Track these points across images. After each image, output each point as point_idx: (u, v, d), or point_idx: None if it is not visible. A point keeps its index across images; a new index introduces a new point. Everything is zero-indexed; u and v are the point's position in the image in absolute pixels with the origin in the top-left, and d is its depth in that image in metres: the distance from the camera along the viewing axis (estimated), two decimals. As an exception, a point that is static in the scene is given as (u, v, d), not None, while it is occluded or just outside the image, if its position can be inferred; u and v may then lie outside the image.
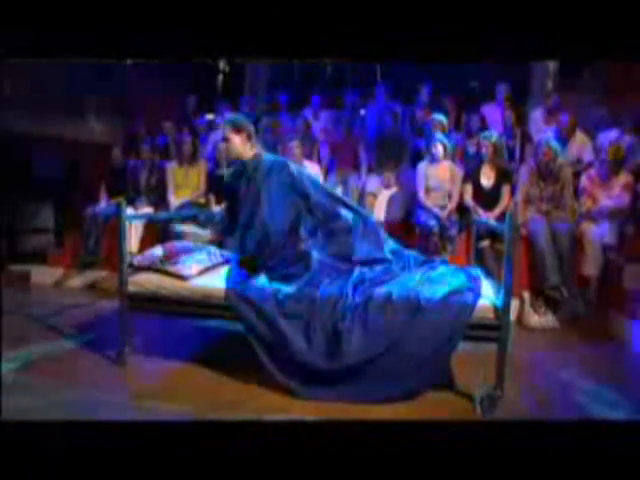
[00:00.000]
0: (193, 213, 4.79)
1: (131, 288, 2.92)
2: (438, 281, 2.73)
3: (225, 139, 3.10)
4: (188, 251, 3.15)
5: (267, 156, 3.15)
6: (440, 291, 2.58)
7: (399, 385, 2.49)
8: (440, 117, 5.38)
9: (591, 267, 4.04)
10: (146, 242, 4.78)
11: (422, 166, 4.83)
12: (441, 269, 2.95)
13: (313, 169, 5.24)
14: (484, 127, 5.53)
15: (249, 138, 3.08)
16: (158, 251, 3.10)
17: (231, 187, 3.20)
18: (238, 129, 3.05)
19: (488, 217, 4.36)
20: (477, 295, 2.57)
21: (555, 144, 4.34)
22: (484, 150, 4.58)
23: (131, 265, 3.03)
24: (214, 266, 3.15)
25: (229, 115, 3.29)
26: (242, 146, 3.07)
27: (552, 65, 6.64)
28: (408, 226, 4.71)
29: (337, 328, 2.53)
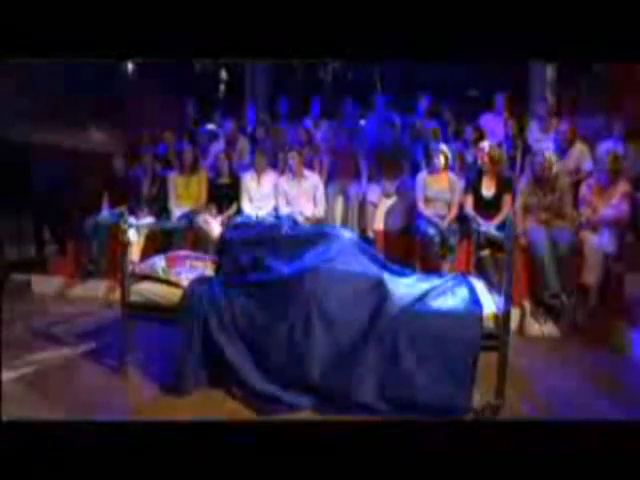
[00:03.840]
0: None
1: (132, 297, 2.92)
2: (438, 296, 2.70)
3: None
4: (190, 260, 3.15)
5: None
6: (444, 306, 2.57)
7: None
8: (432, 124, 5.41)
9: (591, 276, 4.02)
10: (147, 251, 4.75)
11: (421, 176, 4.84)
12: (437, 282, 2.91)
13: (313, 178, 5.26)
14: (482, 137, 5.54)
15: None
16: (160, 260, 3.09)
17: None
18: None
19: (488, 226, 4.35)
20: (480, 306, 2.55)
21: (551, 154, 4.34)
22: (481, 161, 4.60)
23: (133, 273, 3.02)
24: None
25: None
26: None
27: (551, 74, 6.68)
28: (409, 235, 4.71)
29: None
